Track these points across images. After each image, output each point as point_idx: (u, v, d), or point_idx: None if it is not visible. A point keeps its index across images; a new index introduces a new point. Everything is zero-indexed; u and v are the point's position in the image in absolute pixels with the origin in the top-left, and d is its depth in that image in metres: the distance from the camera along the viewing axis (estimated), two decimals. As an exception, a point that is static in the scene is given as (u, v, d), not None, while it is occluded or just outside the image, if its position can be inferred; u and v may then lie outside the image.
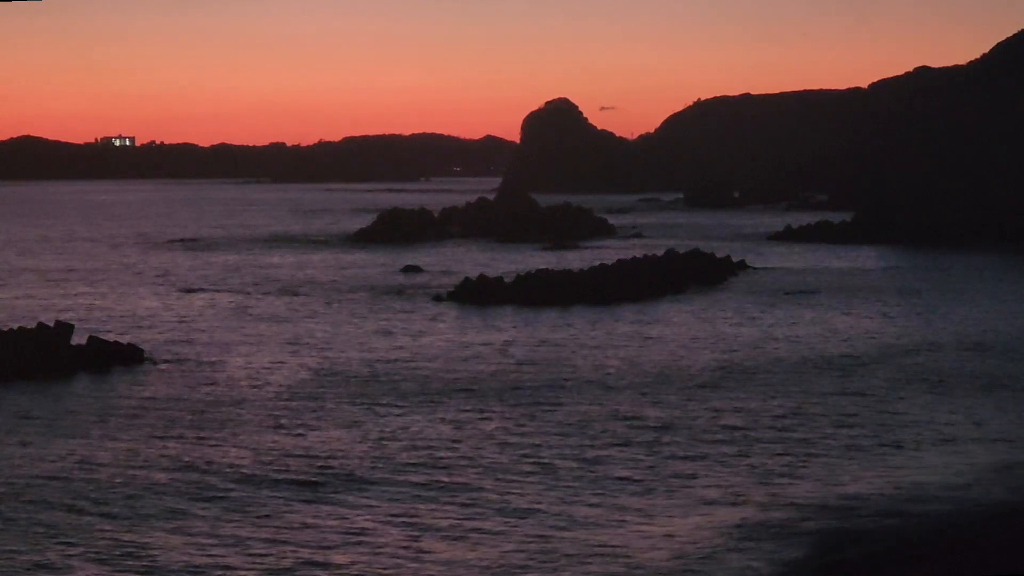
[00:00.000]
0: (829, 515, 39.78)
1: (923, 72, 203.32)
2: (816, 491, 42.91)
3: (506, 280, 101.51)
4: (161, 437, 51.25)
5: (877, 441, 50.22)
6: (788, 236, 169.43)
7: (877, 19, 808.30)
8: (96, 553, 36.38)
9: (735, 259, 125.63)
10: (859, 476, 44.91)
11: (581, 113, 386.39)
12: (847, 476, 44.92)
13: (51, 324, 69.62)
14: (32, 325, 69.96)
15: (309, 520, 39.53)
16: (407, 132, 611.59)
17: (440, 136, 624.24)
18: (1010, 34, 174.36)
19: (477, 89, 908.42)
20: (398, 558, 35.97)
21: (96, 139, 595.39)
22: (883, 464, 46.67)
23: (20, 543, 37.28)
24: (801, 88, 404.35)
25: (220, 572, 34.87)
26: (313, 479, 44.45)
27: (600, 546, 36.90)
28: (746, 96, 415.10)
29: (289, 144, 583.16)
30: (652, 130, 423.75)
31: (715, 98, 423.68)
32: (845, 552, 35.32)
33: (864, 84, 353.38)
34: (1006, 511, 39.21)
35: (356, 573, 34.87)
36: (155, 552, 36.46)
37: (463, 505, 41.20)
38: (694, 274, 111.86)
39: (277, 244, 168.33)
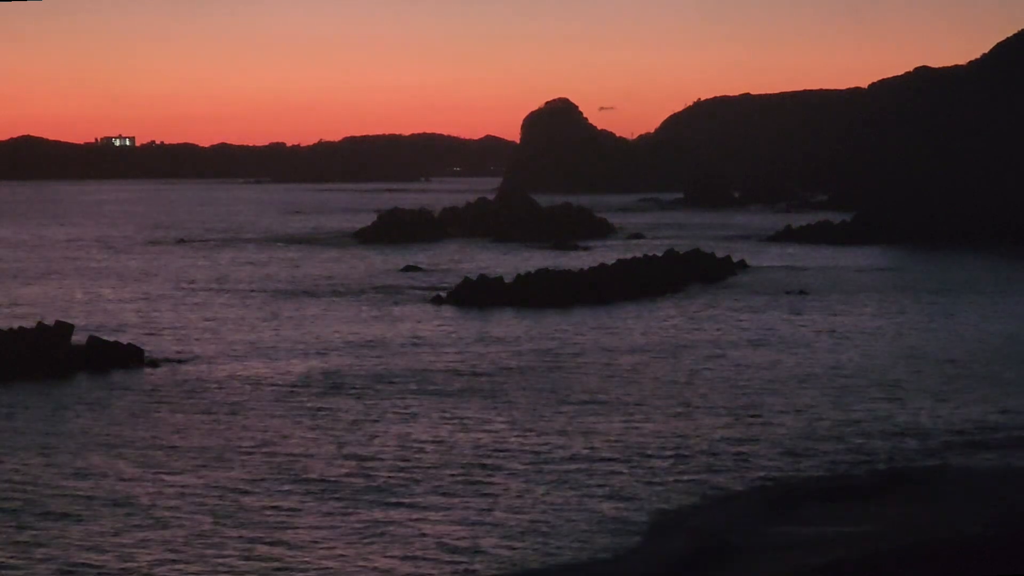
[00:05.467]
0: (828, 514, 39.81)
1: (923, 72, 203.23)
2: (815, 492, 42.96)
3: (506, 280, 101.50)
4: (160, 438, 51.22)
5: (878, 441, 50.21)
6: (788, 236, 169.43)
7: (877, 19, 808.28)
8: (77, 558, 36.38)
9: (735, 259, 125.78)
10: (858, 473, 44.96)
11: (581, 113, 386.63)
12: (848, 474, 44.97)
13: (51, 324, 69.59)
14: (32, 325, 69.94)
15: (312, 522, 39.50)
16: (407, 132, 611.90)
17: (440, 136, 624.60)
18: (1010, 34, 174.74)
19: (477, 89, 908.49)
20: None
21: (96, 139, 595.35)
22: (882, 463, 46.68)
23: (17, 547, 37.27)
24: (801, 88, 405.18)
25: None
26: (313, 480, 44.43)
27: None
28: (746, 96, 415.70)
29: (289, 144, 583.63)
30: (652, 130, 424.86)
31: (715, 98, 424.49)
32: (845, 551, 35.31)
33: (864, 84, 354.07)
34: (1005, 511, 39.22)
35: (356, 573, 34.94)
36: (146, 558, 36.46)
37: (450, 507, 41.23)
38: (694, 274, 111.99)
39: (277, 244, 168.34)
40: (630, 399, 58.71)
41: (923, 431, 51.97)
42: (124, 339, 73.11)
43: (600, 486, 43.31)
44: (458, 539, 37.57)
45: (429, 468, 45.92)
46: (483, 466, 46.14)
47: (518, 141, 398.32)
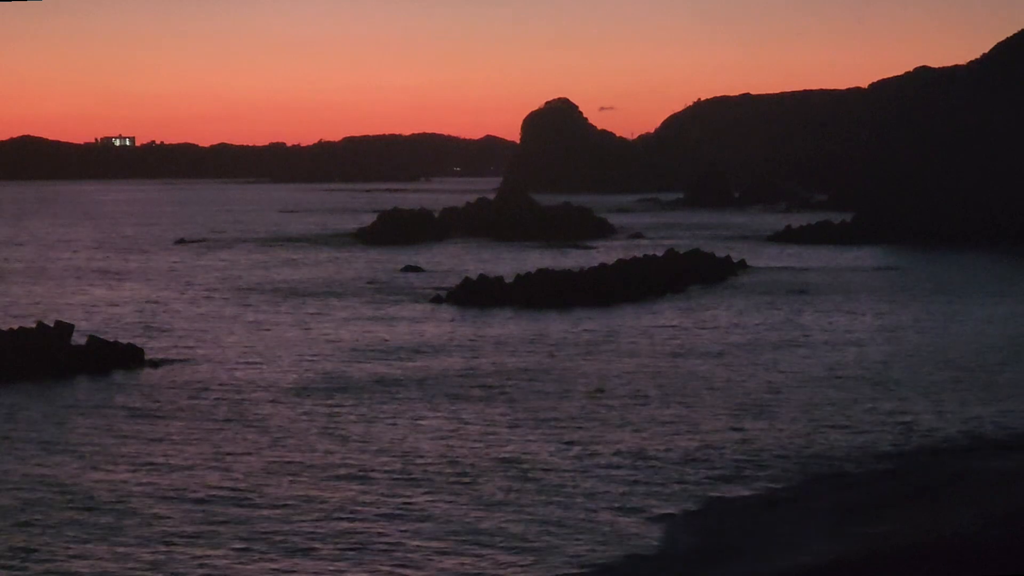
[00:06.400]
0: (828, 514, 39.81)
1: (923, 72, 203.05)
2: (816, 493, 42.96)
3: (506, 280, 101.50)
4: (160, 438, 51.22)
5: (878, 441, 50.21)
6: (788, 236, 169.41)
7: (877, 19, 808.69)
8: (74, 555, 36.37)
9: (735, 259, 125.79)
10: (858, 473, 44.95)
11: (581, 113, 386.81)
12: (848, 474, 44.97)
13: (51, 324, 69.57)
14: (32, 325, 69.91)
15: (310, 527, 39.48)
16: (407, 132, 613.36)
17: (440, 136, 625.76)
18: (1010, 34, 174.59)
19: (477, 89, 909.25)
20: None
21: (96, 139, 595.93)
22: (882, 463, 46.69)
23: (14, 548, 37.27)
24: (801, 88, 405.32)
25: None
26: (314, 480, 44.43)
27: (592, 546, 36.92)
28: (746, 96, 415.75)
29: (289, 144, 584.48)
30: (652, 130, 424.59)
31: (715, 98, 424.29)
32: (845, 551, 35.33)
33: (864, 84, 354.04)
34: (1005, 511, 39.22)
35: None
36: (144, 558, 36.45)
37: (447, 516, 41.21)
38: (694, 274, 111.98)
39: (277, 244, 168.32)
40: (631, 400, 58.68)
41: (923, 431, 51.95)
42: (124, 339, 73.08)
43: (601, 488, 43.28)
44: (457, 543, 37.54)
45: (430, 470, 45.87)
46: (483, 469, 46.12)
47: (518, 141, 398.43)
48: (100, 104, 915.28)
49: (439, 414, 55.53)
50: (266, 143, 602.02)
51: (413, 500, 41.70)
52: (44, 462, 46.98)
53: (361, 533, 38.17)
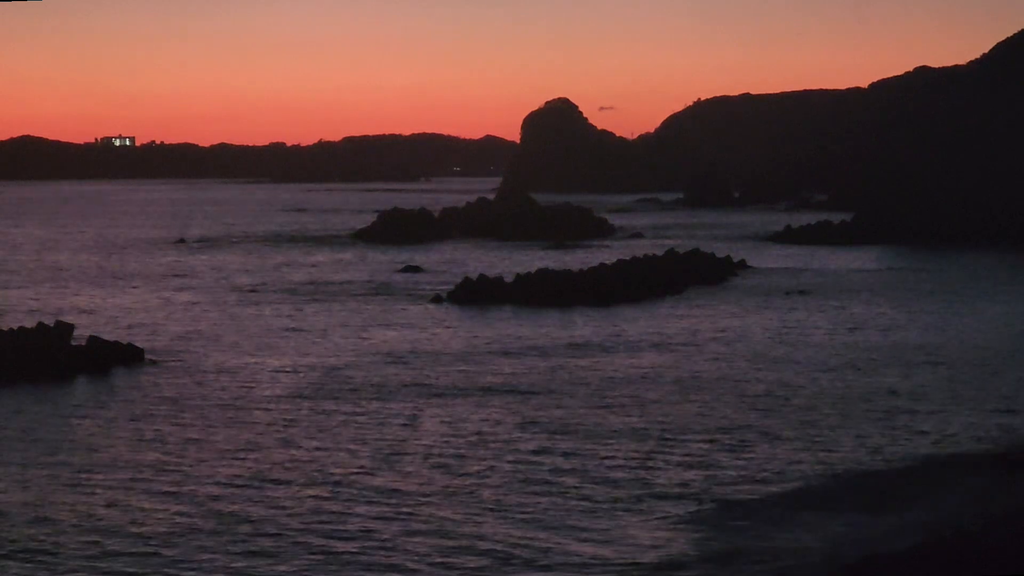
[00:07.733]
0: (829, 515, 39.81)
1: (923, 72, 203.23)
2: (817, 494, 42.95)
3: (506, 280, 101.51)
4: (160, 438, 51.20)
5: (879, 442, 50.21)
6: (788, 236, 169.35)
7: (877, 19, 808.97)
8: (74, 557, 36.38)
9: (735, 259, 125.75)
10: (860, 473, 44.97)
11: (581, 113, 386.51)
12: (849, 475, 44.97)
13: (51, 324, 69.57)
14: (32, 325, 69.91)
15: (312, 525, 39.48)
16: (407, 132, 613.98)
17: (440, 136, 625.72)
18: (1010, 34, 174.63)
19: (477, 89, 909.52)
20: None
21: (96, 139, 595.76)
22: (883, 464, 46.68)
23: (14, 551, 37.27)
24: (801, 88, 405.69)
25: None
26: (313, 480, 44.41)
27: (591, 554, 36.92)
28: (746, 96, 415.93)
29: (289, 144, 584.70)
30: (652, 130, 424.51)
31: (715, 98, 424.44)
32: (846, 552, 35.34)
33: (864, 84, 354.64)
34: (1005, 511, 39.23)
35: None
36: (144, 557, 36.46)
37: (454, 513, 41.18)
38: (694, 274, 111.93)
39: (277, 244, 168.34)
40: (631, 402, 58.68)
41: (924, 431, 51.96)
42: (124, 339, 73.07)
43: (603, 490, 43.27)
44: (456, 544, 37.53)
45: (428, 471, 45.87)
46: (482, 470, 46.11)
47: (518, 141, 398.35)
48: (100, 104, 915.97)
49: (438, 414, 55.50)
50: (266, 143, 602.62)
51: (410, 502, 41.69)
52: (44, 462, 46.96)
53: (359, 532, 38.17)
